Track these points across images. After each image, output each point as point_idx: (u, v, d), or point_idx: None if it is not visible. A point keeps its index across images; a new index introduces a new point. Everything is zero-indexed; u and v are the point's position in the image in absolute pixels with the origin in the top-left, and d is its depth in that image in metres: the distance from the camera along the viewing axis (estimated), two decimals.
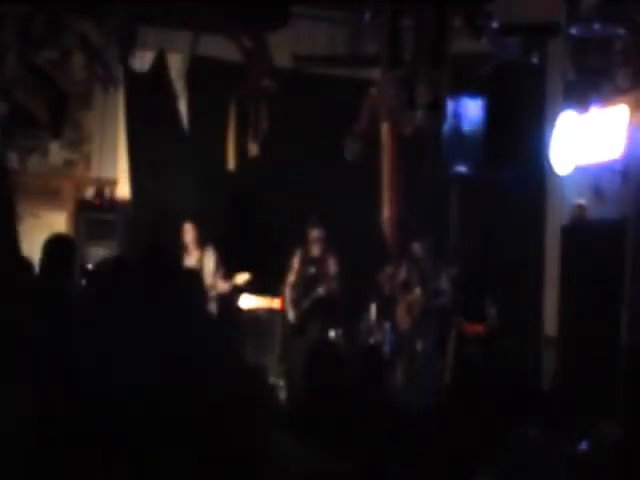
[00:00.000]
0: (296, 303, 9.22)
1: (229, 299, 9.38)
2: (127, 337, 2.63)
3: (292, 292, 9.27)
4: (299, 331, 9.14)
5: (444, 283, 8.86)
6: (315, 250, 9.16)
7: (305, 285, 9.18)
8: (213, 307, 9.19)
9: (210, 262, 9.14)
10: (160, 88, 10.15)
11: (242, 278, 9.09)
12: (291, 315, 9.24)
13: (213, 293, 9.01)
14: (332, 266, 9.18)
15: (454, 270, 8.89)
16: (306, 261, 9.21)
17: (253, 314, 9.70)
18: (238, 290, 9.28)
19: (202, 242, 9.20)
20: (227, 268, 9.22)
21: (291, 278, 9.27)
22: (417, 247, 9.11)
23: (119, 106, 10.27)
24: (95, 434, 2.52)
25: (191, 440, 2.61)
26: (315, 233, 9.13)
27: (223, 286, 9.10)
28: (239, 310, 9.57)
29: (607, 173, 7.44)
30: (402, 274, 9.19)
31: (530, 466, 3.63)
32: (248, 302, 9.65)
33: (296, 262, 9.28)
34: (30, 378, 2.59)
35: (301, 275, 9.23)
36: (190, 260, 9.06)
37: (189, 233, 9.18)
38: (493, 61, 8.53)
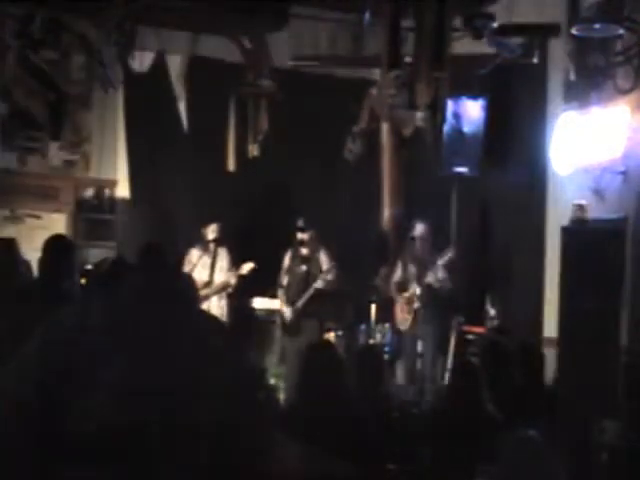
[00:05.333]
0: (290, 302, 9.22)
1: (240, 298, 9.52)
2: (126, 337, 2.62)
3: (285, 292, 9.29)
4: (294, 331, 9.14)
5: (441, 271, 8.83)
6: (305, 250, 9.19)
7: (298, 283, 9.19)
8: (224, 305, 9.30)
9: (223, 259, 9.34)
10: (160, 88, 10.16)
11: (247, 267, 9.21)
12: (286, 315, 9.24)
13: (225, 290, 9.31)
14: (325, 261, 9.19)
15: (449, 254, 8.85)
16: (297, 260, 9.22)
17: (253, 315, 9.74)
18: (244, 280, 9.38)
19: (218, 241, 9.34)
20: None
21: (283, 279, 9.29)
22: (419, 228, 9.01)
23: (119, 106, 10.29)
24: (93, 435, 2.51)
25: (190, 440, 2.60)
26: (304, 235, 9.15)
27: (231, 279, 9.27)
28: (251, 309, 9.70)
29: (607, 173, 7.44)
30: (397, 273, 9.17)
31: (530, 466, 3.62)
32: (255, 303, 9.76)
33: (287, 262, 9.30)
34: (30, 378, 2.58)
35: (293, 274, 9.24)
36: (207, 258, 9.27)
37: (213, 233, 9.29)
38: (493, 61, 8.54)
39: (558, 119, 8.19)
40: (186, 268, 9.06)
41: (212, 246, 9.34)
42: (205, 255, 9.32)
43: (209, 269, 9.28)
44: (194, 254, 9.31)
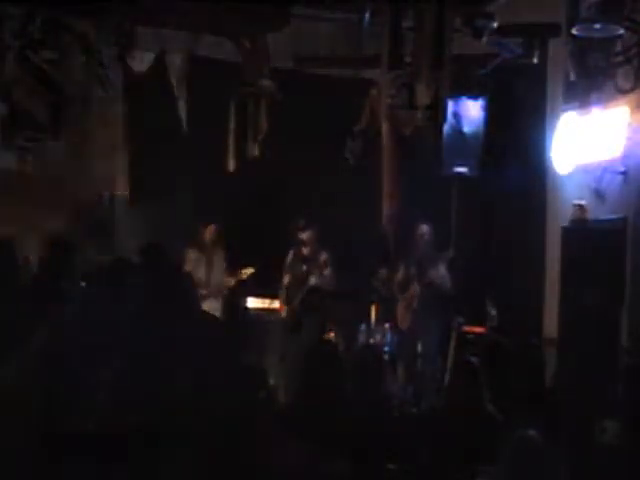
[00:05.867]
0: (289, 302, 9.24)
1: (235, 299, 9.53)
2: (127, 336, 2.62)
3: (286, 292, 9.30)
4: (294, 331, 9.14)
5: (442, 270, 8.83)
6: (306, 250, 9.20)
7: (298, 283, 9.20)
8: (218, 306, 9.30)
9: (220, 261, 9.36)
10: (160, 88, 10.15)
11: (246, 272, 9.22)
12: (286, 314, 9.26)
13: (221, 291, 9.32)
14: (323, 260, 9.19)
15: (448, 254, 8.86)
16: (298, 260, 9.23)
17: (253, 314, 9.75)
18: (243, 284, 9.39)
19: (218, 242, 9.32)
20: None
21: (285, 279, 9.30)
22: (422, 229, 9.00)
23: (119, 106, 10.28)
24: (94, 431, 2.52)
25: (191, 438, 2.61)
26: (304, 235, 9.16)
27: (230, 282, 9.28)
28: (244, 310, 9.70)
29: (607, 173, 7.44)
30: (400, 273, 9.17)
31: (530, 466, 3.63)
32: (250, 302, 9.77)
33: (289, 262, 9.31)
34: (31, 378, 2.59)
35: (293, 274, 9.25)
36: (203, 259, 9.31)
37: (211, 234, 9.29)
38: (494, 62, 8.54)
39: (558, 119, 8.19)
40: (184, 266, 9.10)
41: (210, 247, 9.36)
42: (202, 256, 9.34)
43: (206, 270, 9.29)
44: (192, 254, 9.32)
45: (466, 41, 7.83)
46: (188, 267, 9.11)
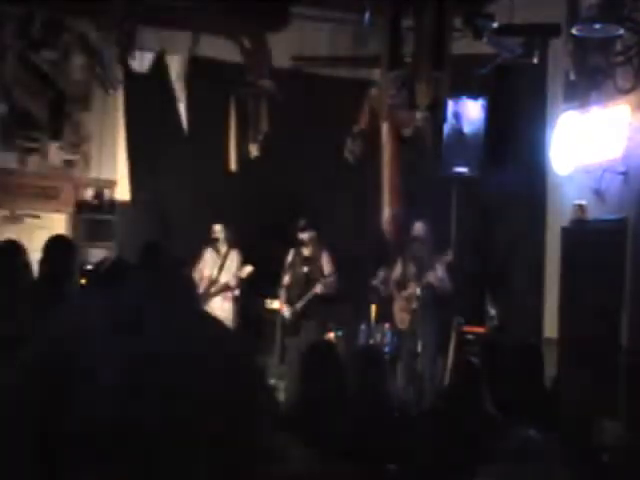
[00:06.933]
0: (291, 303, 9.23)
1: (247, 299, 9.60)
2: (127, 337, 2.61)
3: (286, 292, 9.29)
4: (294, 332, 9.14)
5: (440, 272, 8.83)
6: (306, 251, 9.19)
7: (299, 285, 9.20)
8: (227, 307, 9.33)
9: (233, 262, 9.41)
10: (160, 88, 10.15)
11: (246, 271, 9.25)
12: (287, 315, 9.25)
13: (226, 290, 9.38)
14: (326, 264, 9.18)
15: (448, 257, 8.86)
16: (299, 261, 9.22)
17: (254, 314, 9.76)
18: (243, 283, 9.43)
19: (230, 242, 9.40)
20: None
21: (285, 279, 9.29)
22: (418, 227, 9.01)
23: (119, 106, 10.28)
24: (94, 434, 2.50)
25: (190, 440, 2.60)
26: (305, 235, 9.16)
27: (231, 281, 9.37)
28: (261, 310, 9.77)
29: (607, 173, 7.44)
30: (397, 272, 9.17)
31: (530, 466, 3.62)
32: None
33: (289, 262, 9.30)
34: (30, 378, 2.58)
35: (294, 274, 9.24)
36: (217, 258, 9.42)
37: (218, 233, 9.38)
38: (494, 62, 8.54)
39: (558, 119, 8.19)
40: (198, 265, 9.23)
41: (222, 246, 9.44)
42: (216, 254, 9.44)
43: (217, 268, 9.37)
44: (207, 252, 9.44)
45: (466, 41, 7.83)
46: (201, 264, 9.26)
